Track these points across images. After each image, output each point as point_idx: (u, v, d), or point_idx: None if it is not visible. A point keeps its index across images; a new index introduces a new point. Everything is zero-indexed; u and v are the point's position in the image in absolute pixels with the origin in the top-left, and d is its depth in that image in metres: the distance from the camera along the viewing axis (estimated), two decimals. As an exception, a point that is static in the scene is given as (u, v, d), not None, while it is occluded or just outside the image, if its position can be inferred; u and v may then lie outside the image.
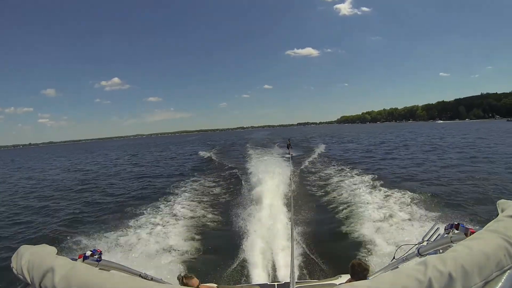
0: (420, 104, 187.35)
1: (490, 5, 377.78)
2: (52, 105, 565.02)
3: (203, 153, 29.42)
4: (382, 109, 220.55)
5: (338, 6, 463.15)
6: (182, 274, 3.08)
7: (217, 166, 19.46)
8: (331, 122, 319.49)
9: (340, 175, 13.61)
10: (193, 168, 19.93)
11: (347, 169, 14.81)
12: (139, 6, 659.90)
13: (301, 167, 16.53)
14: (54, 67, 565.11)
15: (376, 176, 12.34)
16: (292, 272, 2.02)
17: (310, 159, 20.58)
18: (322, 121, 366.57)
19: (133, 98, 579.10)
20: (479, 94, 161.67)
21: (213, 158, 24.73)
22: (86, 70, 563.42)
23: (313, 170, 16.03)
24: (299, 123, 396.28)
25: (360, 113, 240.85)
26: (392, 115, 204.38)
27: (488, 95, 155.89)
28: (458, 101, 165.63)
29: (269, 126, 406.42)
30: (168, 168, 22.15)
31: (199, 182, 14.18)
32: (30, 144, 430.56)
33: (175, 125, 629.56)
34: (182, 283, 2.89)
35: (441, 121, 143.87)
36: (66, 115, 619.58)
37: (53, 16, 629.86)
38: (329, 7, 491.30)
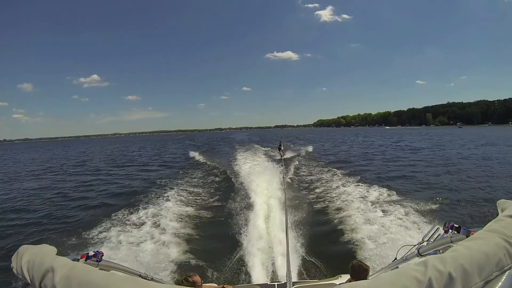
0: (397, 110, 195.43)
1: (465, 20, 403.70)
2: (28, 100, 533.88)
3: (196, 153, 28.60)
4: (357, 114, 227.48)
5: (319, 12, 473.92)
6: (185, 275, 2.93)
7: (214, 166, 19.00)
8: (308, 125, 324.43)
9: (339, 177, 13.64)
10: (191, 168, 19.56)
11: (345, 170, 15.08)
12: (119, 4, 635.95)
13: (295, 167, 16.59)
14: (32, 61, 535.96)
15: (375, 177, 12.74)
16: (288, 271, 2.00)
17: (301, 158, 21.28)
18: (299, 124, 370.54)
19: (111, 96, 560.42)
20: (445, 102, 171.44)
21: (208, 158, 24.38)
22: (65, 66, 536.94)
23: (308, 170, 16.16)
24: (276, 126, 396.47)
25: (336, 117, 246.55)
26: (366, 120, 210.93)
27: (453, 104, 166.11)
28: (426, 109, 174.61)
29: (246, 128, 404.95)
30: (165, 167, 21.76)
31: (199, 182, 14.20)
32: (4, 140, 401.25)
33: (153, 125, 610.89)
34: (187, 282, 2.74)
35: (388, 127, 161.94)
36: (42, 111, 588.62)
37: (33, 9, 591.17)
38: (310, 13, 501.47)
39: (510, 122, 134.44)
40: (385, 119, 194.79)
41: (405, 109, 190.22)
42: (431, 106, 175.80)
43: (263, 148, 29.86)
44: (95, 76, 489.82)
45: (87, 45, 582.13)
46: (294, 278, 4.88)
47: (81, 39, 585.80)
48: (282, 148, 23.96)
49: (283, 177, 11.04)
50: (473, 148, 28.95)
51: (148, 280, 2.40)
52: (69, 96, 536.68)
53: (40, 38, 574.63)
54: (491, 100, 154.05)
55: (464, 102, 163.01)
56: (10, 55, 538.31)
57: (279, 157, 21.10)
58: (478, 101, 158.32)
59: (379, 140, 47.34)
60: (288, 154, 24.36)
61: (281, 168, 13.67)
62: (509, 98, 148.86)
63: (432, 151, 27.05)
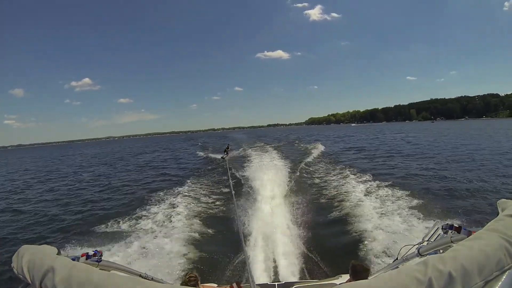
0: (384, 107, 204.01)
1: (454, 17, 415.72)
2: (20, 105, 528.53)
3: (200, 153, 29.72)
4: (346, 111, 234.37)
5: (308, 11, 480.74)
6: (188, 274, 2.97)
7: (215, 166, 19.29)
8: (300, 124, 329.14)
9: (339, 175, 13.55)
10: (192, 168, 20.13)
11: (346, 169, 14.91)
12: (111, 6, 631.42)
13: (299, 166, 16.23)
14: (23, 67, 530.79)
15: (376, 176, 12.52)
16: (250, 276, 1.99)
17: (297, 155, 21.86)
18: (291, 123, 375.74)
19: (104, 100, 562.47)
20: (428, 99, 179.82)
21: (210, 157, 25.04)
22: (56, 70, 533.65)
23: (310, 169, 16.03)
24: (269, 125, 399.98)
25: (326, 115, 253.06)
26: (355, 117, 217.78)
27: (436, 100, 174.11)
28: (410, 105, 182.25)
29: (239, 127, 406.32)
30: (166, 168, 22.17)
31: (199, 181, 14.15)
32: None
33: (146, 127, 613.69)
34: (191, 281, 2.81)
35: (354, 124, 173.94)
36: (34, 117, 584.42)
37: (24, 14, 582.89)
38: (300, 12, 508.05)
39: (484, 117, 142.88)
40: (372, 115, 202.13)
41: (392, 106, 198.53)
42: (415, 102, 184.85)
43: (270, 145, 32.97)
44: (87, 80, 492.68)
45: (79, 48, 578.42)
46: (294, 278, 5.06)
47: (72, 43, 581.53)
48: (228, 150, 24.69)
49: (229, 176, 11.45)
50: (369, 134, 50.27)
51: (149, 280, 2.44)
52: (61, 100, 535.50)
53: (32, 43, 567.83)
54: (472, 95, 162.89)
55: (447, 98, 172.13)
56: (1, 61, 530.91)
57: (221, 158, 22.00)
58: (459, 97, 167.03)
59: (336, 133, 66.24)
60: (287, 147, 28.12)
61: (227, 167, 13.91)
62: (488, 94, 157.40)
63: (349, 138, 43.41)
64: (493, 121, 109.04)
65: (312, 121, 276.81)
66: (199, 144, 50.38)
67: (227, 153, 23.55)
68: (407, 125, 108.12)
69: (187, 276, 2.80)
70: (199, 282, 2.83)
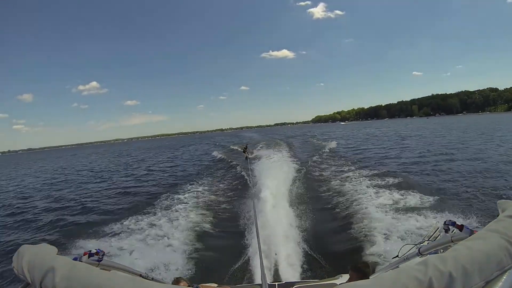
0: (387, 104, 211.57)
1: (459, 10, 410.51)
2: (27, 110, 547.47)
3: (216, 152, 30.42)
4: (351, 109, 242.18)
5: (311, 10, 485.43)
6: (174, 278, 3.00)
7: (219, 166, 19.78)
8: (307, 122, 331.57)
9: (341, 173, 13.54)
10: (195, 168, 20.65)
11: (348, 167, 14.95)
12: (116, 9, 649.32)
13: (303, 165, 16.37)
14: (30, 72, 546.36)
15: (379, 175, 12.34)
16: (262, 274, 1.84)
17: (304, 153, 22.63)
18: (298, 121, 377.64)
19: (111, 102, 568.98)
20: (430, 95, 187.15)
21: (215, 157, 25.88)
22: (64, 74, 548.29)
23: (313, 167, 15.94)
24: (276, 124, 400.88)
25: (332, 113, 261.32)
26: (359, 114, 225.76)
27: (436, 96, 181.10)
28: (413, 101, 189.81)
29: (247, 127, 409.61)
30: (170, 168, 22.82)
31: (201, 181, 14.31)
32: (9, 151, 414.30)
33: (153, 129, 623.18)
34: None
35: (343, 123, 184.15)
36: (42, 121, 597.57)
37: (30, 19, 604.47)
38: (303, 11, 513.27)
39: (480, 111, 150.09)
40: (376, 112, 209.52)
41: (396, 102, 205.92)
42: (417, 98, 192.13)
43: (280, 140, 36.92)
44: (94, 83, 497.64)
45: (86, 52, 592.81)
46: (294, 278, 5.08)
47: (79, 47, 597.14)
48: (247, 149, 24.71)
49: (249, 177, 11.13)
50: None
51: (149, 280, 2.45)
52: (69, 104, 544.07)
53: (39, 47, 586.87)
54: (473, 90, 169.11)
55: (448, 93, 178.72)
56: (7, 67, 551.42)
57: (245, 158, 21.90)
58: (459, 92, 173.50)
59: (320, 130, 79.73)
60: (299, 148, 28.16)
61: (248, 168, 13.83)
62: (487, 88, 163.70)
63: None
64: (486, 115, 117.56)
65: (319, 119, 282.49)
66: (216, 143, 53.78)
67: (248, 153, 23.64)
68: (400, 121, 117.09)
69: (175, 278, 2.89)
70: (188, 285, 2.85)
